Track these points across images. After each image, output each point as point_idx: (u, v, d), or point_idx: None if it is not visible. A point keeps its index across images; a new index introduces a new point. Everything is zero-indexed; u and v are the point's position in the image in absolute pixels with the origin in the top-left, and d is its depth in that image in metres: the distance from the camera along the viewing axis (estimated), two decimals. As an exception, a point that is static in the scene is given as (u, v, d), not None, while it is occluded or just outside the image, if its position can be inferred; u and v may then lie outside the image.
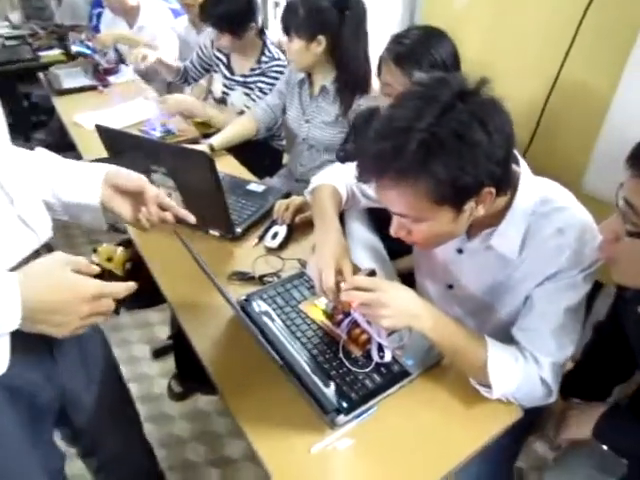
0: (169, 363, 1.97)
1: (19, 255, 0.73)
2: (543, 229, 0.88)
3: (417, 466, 0.82)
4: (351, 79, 1.63)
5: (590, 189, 1.32)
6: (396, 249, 1.37)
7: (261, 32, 2.06)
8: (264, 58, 2.04)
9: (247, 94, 2.07)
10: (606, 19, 1.29)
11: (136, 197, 0.89)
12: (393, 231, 0.89)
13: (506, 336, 0.95)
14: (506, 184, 0.85)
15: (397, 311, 0.83)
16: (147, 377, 1.94)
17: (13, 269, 0.68)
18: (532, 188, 0.90)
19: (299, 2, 1.57)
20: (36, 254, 0.75)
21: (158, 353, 2.03)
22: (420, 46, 1.21)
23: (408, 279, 1.27)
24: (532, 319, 0.91)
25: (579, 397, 1.11)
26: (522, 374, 0.88)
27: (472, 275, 1.01)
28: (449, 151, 0.73)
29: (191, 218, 0.93)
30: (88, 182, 0.85)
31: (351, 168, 1.20)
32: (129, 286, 0.72)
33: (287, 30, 1.64)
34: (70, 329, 0.67)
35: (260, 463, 0.81)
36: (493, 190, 0.79)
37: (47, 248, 0.80)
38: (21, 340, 0.67)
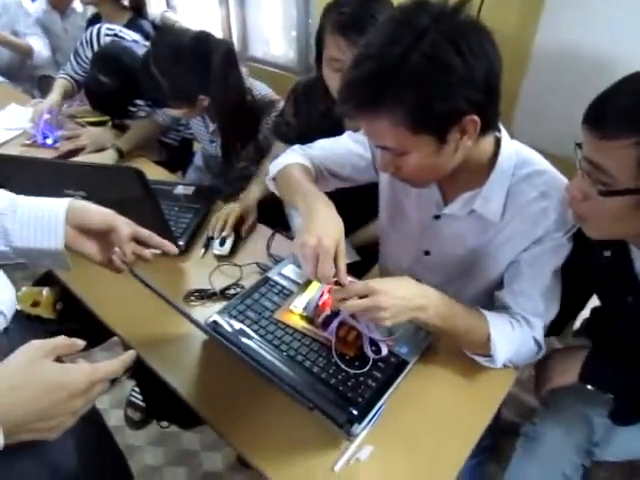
0: (119, 392, 1.82)
1: None
2: (525, 192, 0.88)
3: (441, 453, 0.81)
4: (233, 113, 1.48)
5: (519, 138, 1.36)
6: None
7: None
8: None
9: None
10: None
11: (105, 235, 0.75)
12: (381, 167, 0.86)
13: (483, 302, 0.96)
14: (492, 115, 0.79)
15: (397, 309, 0.80)
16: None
17: None
18: (511, 149, 0.89)
19: (157, 74, 1.34)
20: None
21: (104, 383, 1.85)
22: (362, 11, 1.10)
23: (365, 252, 1.25)
24: (522, 283, 0.92)
25: None
26: (519, 339, 0.90)
27: (450, 240, 1.00)
28: (420, 77, 0.70)
29: (173, 249, 0.82)
30: (48, 225, 0.69)
31: (312, 148, 1.12)
32: (127, 358, 0.62)
33: (157, 105, 1.51)
34: (63, 428, 0.56)
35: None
36: (476, 118, 0.75)
37: None
38: None
